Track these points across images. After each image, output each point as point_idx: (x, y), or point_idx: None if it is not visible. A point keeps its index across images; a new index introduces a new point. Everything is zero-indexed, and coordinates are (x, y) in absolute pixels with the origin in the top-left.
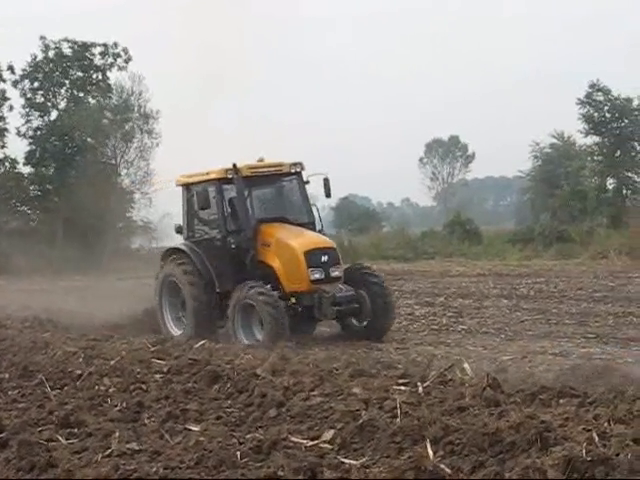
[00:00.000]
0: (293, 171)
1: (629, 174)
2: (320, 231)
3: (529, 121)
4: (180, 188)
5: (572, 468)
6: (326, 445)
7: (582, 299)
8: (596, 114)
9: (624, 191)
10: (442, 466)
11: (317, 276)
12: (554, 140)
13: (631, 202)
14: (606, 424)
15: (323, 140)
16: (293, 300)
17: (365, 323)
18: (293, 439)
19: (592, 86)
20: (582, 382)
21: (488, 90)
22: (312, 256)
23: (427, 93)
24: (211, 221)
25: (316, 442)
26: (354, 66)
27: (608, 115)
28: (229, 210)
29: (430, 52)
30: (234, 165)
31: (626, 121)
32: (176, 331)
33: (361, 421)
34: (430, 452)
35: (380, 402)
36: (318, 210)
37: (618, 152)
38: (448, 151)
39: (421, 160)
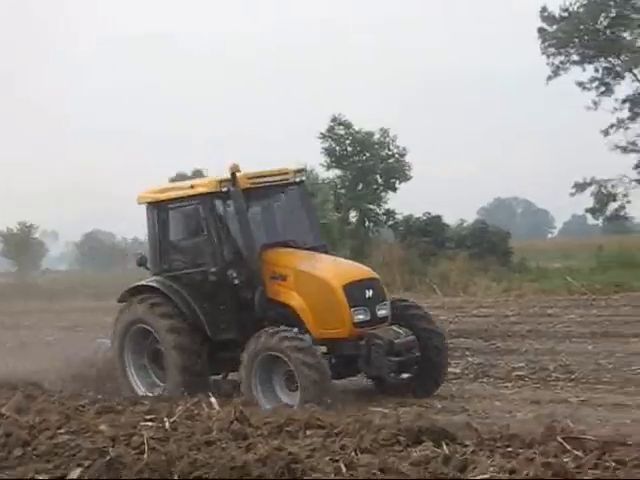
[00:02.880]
0: (298, 180)
1: (371, 206)
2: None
3: (272, 154)
4: (144, 207)
5: None
6: None
7: None
8: (338, 148)
9: (366, 223)
10: None
11: (362, 317)
12: None
13: (373, 234)
14: (353, 454)
15: (71, 173)
16: (324, 349)
17: (408, 375)
18: (39, 478)
19: (334, 120)
20: None
21: (229, 123)
22: (354, 291)
23: (166, 127)
24: (198, 249)
25: None
26: (102, 94)
27: (350, 149)
28: (225, 234)
29: (165, 88)
30: (233, 175)
31: (367, 154)
32: (146, 393)
33: (108, 458)
34: None
35: (127, 438)
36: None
37: (360, 185)
38: None
39: None
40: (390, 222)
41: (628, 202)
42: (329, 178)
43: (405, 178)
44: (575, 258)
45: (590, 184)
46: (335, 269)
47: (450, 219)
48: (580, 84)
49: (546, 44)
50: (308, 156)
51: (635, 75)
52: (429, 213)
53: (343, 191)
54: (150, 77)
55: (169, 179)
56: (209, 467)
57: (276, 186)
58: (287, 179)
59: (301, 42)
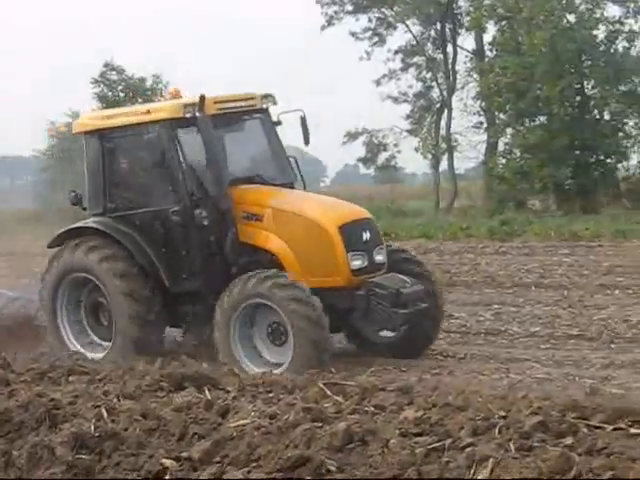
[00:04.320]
0: (265, 107)
1: None
2: None
3: (42, 100)
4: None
5: (81, 444)
6: None
7: None
8: (110, 93)
9: None
10: None
11: (359, 263)
12: (69, 119)
13: None
14: (115, 400)
15: None
16: None
17: (397, 332)
18: None
19: (106, 65)
20: None
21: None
22: (350, 233)
23: None
24: (155, 186)
25: None
26: None
27: (122, 94)
28: (190, 168)
29: None
30: (202, 98)
31: (140, 100)
32: (88, 354)
33: None
34: None
35: None
36: (297, 163)
37: None
38: None
39: None
40: None
41: (398, 152)
42: None
43: None
44: None
45: (362, 134)
46: (324, 208)
47: None
48: (353, 34)
49: None
50: (80, 101)
51: (407, 26)
52: None
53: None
54: None
55: None
56: None
57: (242, 113)
58: (254, 105)
59: None
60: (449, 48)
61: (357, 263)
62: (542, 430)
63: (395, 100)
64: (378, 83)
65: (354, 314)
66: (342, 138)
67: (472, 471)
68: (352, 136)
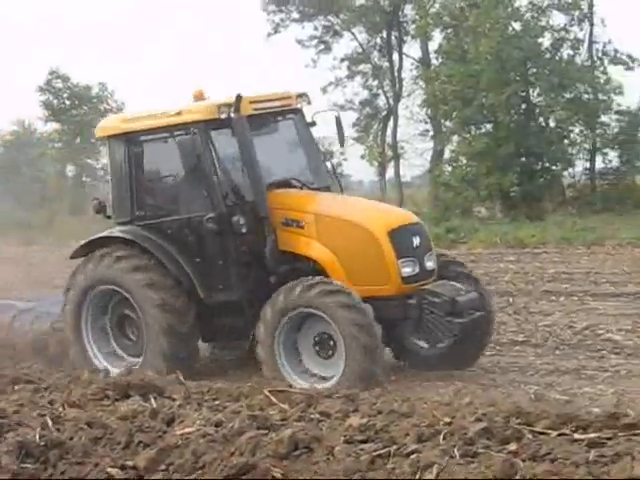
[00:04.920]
0: (299, 107)
1: (89, 160)
2: None
3: None
4: (106, 141)
5: (26, 453)
6: None
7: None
8: (56, 101)
9: (84, 178)
10: None
11: (409, 271)
12: (15, 127)
13: (90, 188)
14: (61, 409)
15: None
16: None
17: (444, 344)
18: None
19: (52, 73)
20: None
21: None
22: (400, 239)
23: None
24: (188, 192)
25: None
26: None
27: (68, 102)
28: (225, 172)
29: None
30: (238, 97)
31: (85, 108)
32: (114, 369)
33: None
34: None
35: None
36: (334, 167)
37: (78, 139)
38: None
39: None
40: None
41: (345, 159)
42: (47, 131)
43: None
44: None
45: None
46: (372, 212)
47: None
48: (300, 42)
49: (267, 1)
50: (26, 109)
51: (353, 34)
52: None
53: (61, 145)
54: None
55: None
56: None
57: (276, 113)
58: (289, 105)
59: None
60: (395, 56)
61: (407, 270)
62: (486, 436)
63: (341, 108)
64: (324, 91)
65: (405, 324)
66: None
67: (417, 477)
68: None
